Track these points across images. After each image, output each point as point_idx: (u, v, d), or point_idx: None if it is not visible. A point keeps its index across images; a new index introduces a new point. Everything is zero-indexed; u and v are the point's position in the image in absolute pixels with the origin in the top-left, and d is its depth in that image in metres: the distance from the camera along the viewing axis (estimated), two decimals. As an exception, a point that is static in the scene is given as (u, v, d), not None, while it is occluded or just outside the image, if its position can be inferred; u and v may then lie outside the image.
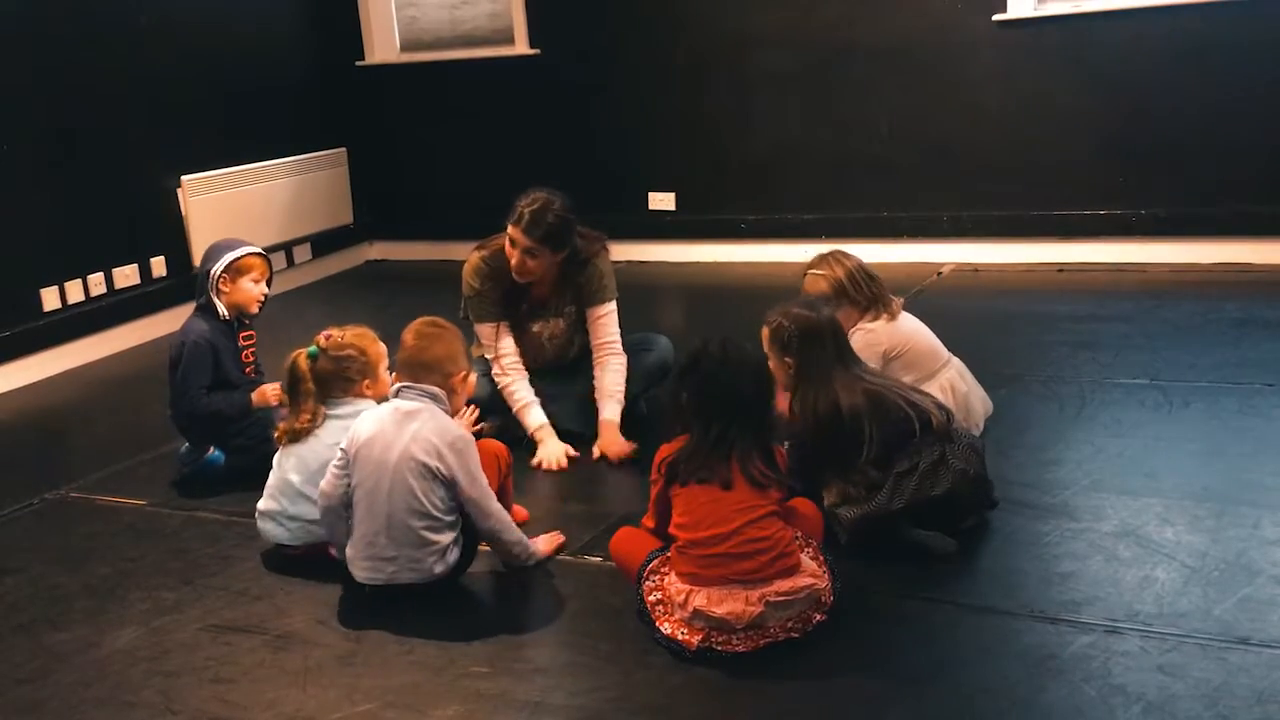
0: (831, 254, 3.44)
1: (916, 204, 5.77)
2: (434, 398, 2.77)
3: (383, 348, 3.08)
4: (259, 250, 3.68)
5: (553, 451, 3.53)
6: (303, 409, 3.02)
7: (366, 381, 3.05)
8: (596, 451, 3.54)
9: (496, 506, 2.76)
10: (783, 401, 2.92)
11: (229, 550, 3.17)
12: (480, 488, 2.73)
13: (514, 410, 3.63)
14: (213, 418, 3.56)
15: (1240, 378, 3.82)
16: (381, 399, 2.97)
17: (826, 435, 2.81)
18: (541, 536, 2.95)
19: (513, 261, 3.54)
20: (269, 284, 3.72)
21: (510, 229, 3.51)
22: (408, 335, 2.85)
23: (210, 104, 5.87)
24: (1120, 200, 5.40)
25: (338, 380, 3.02)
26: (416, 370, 2.80)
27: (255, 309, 3.67)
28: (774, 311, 2.96)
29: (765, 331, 2.96)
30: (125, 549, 3.24)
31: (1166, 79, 5.22)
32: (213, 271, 3.59)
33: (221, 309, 3.60)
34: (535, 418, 3.60)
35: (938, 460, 2.77)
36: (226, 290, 3.60)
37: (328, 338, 3.02)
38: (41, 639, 2.77)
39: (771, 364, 2.94)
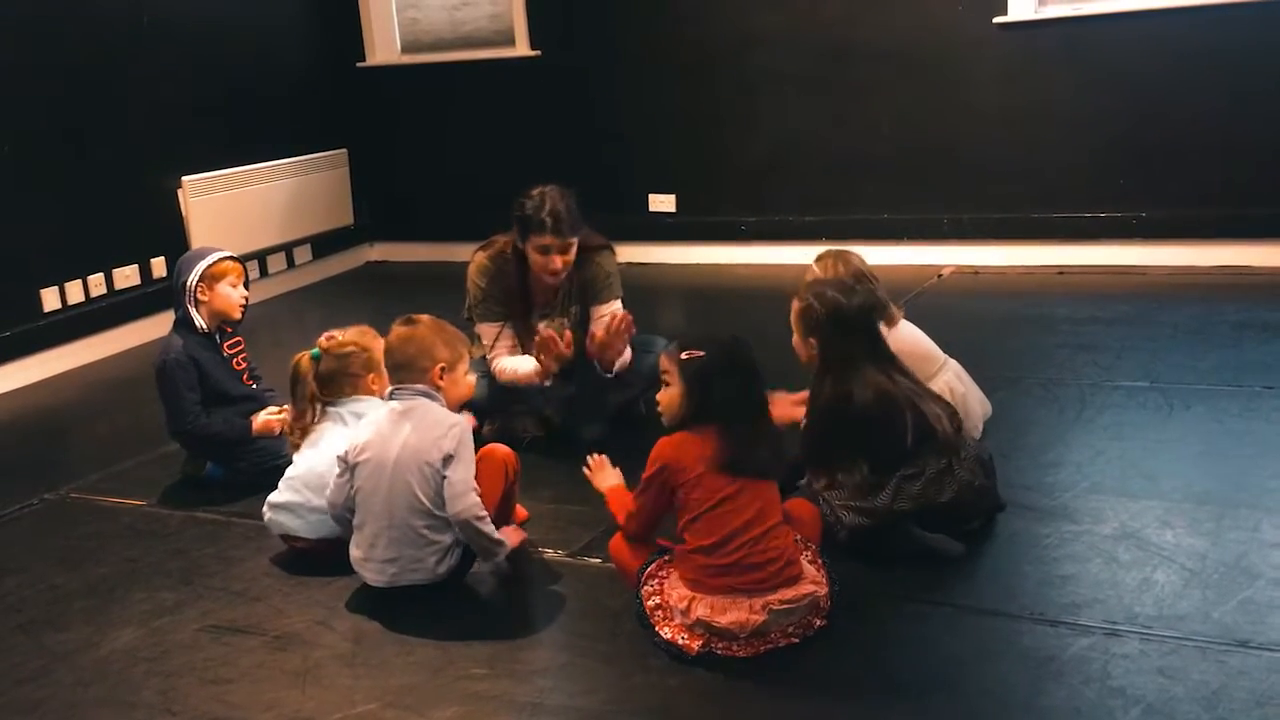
0: (835, 253, 3.43)
1: (916, 206, 5.77)
2: (425, 394, 2.77)
3: (383, 342, 3.08)
4: (232, 255, 3.65)
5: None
6: (303, 410, 3.04)
7: (372, 376, 3.06)
8: (597, 330, 3.49)
9: (474, 497, 2.69)
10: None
11: (229, 551, 3.17)
12: (463, 472, 2.69)
13: (511, 375, 3.58)
14: (211, 440, 3.54)
15: (1240, 380, 3.81)
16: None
17: (834, 423, 2.79)
18: (506, 529, 2.88)
19: (551, 267, 3.52)
20: (247, 288, 3.67)
21: (538, 240, 3.47)
22: (388, 336, 2.86)
23: (211, 104, 5.87)
24: (1120, 203, 5.40)
25: (343, 378, 3.04)
26: (397, 372, 2.81)
27: (238, 314, 3.63)
28: (808, 287, 2.93)
29: (796, 306, 2.92)
30: (125, 549, 3.24)
31: (1167, 81, 5.22)
32: (188, 282, 3.54)
33: (199, 321, 3.56)
34: (527, 361, 3.55)
35: (944, 469, 2.76)
36: (205, 299, 3.55)
37: (329, 338, 3.05)
38: (41, 639, 2.77)
39: (795, 340, 2.93)
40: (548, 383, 3.53)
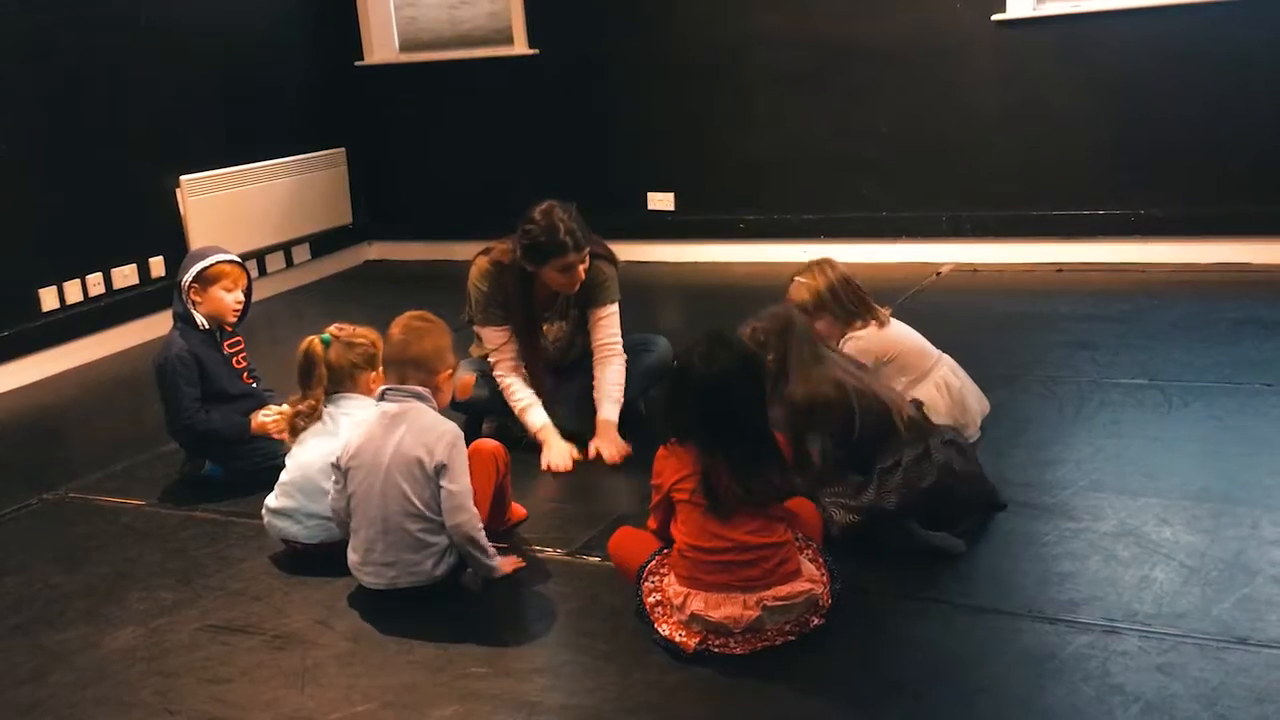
0: (817, 263, 3.46)
1: (915, 204, 5.77)
2: (419, 397, 2.75)
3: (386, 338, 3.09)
4: (231, 258, 3.63)
5: (558, 453, 3.52)
6: (311, 395, 3.00)
7: (373, 375, 3.03)
8: (593, 450, 3.54)
9: (472, 509, 2.69)
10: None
11: (228, 550, 3.17)
12: (461, 484, 2.68)
13: (515, 411, 3.62)
14: (208, 436, 3.54)
15: (1239, 378, 3.82)
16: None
17: (807, 424, 2.81)
18: (507, 557, 2.88)
19: (576, 281, 3.52)
20: (248, 292, 3.65)
21: (562, 261, 3.45)
22: (395, 330, 2.82)
23: (209, 104, 5.87)
24: (1119, 200, 5.40)
25: (348, 369, 3.01)
26: (403, 368, 2.78)
27: (231, 318, 3.62)
28: (744, 325, 2.97)
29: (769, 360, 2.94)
30: (124, 549, 3.24)
31: (1166, 79, 5.22)
32: (182, 281, 3.55)
33: (200, 319, 3.57)
34: (537, 418, 3.59)
35: (921, 455, 2.79)
36: (198, 300, 3.56)
37: (340, 328, 3.04)
38: (40, 639, 2.77)
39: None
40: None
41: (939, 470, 2.79)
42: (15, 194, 4.96)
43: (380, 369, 3.03)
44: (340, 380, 3.03)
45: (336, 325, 3.06)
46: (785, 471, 2.54)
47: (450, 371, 2.81)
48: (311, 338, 3.02)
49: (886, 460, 2.78)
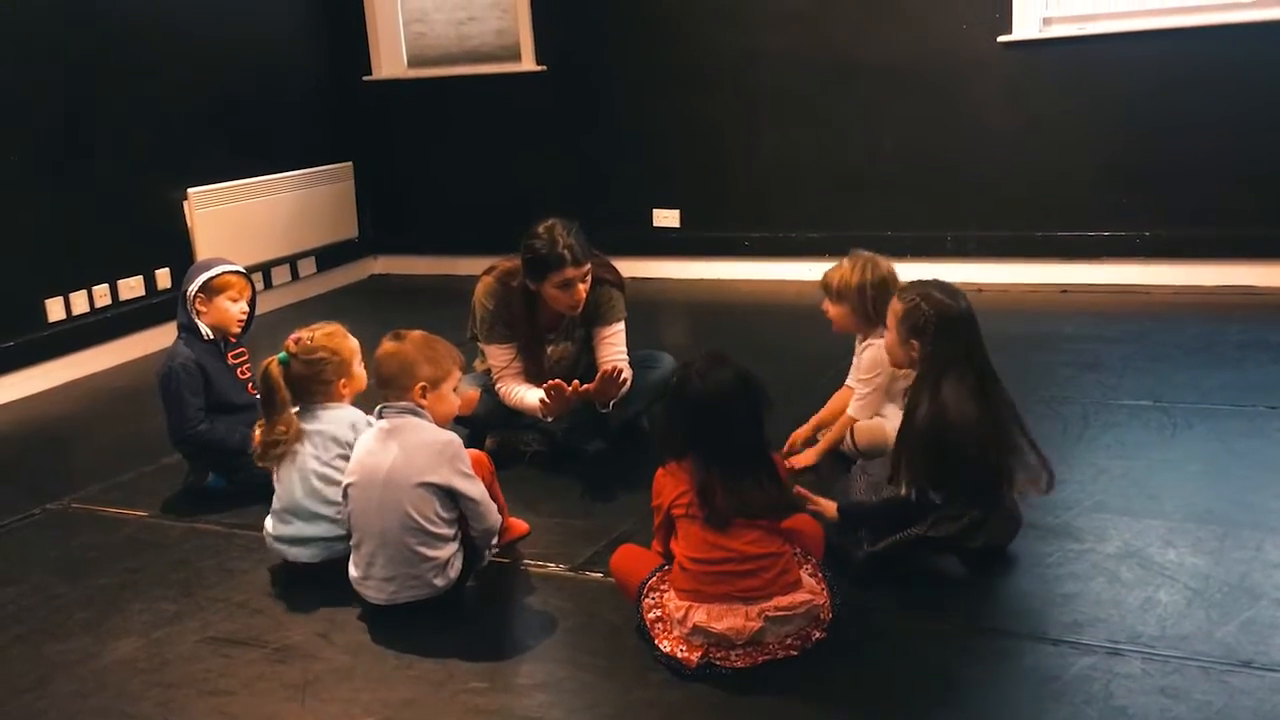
0: (864, 257, 3.38)
1: (920, 224, 5.77)
2: (412, 412, 2.76)
3: (354, 343, 3.05)
4: (236, 268, 3.63)
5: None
6: (278, 420, 2.93)
7: (342, 381, 3.01)
8: (609, 367, 3.45)
9: (493, 505, 2.80)
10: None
11: (230, 562, 3.17)
12: (477, 488, 2.73)
13: (515, 403, 3.59)
14: (212, 446, 3.54)
15: (1243, 400, 3.81)
16: (358, 395, 3.00)
17: (934, 439, 2.70)
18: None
19: (576, 299, 3.50)
20: (252, 303, 3.66)
21: (559, 276, 3.44)
22: (377, 351, 2.83)
23: (217, 117, 5.89)
24: (1124, 222, 5.40)
25: (314, 384, 2.98)
26: (382, 387, 2.80)
27: (236, 328, 3.62)
28: (911, 287, 2.84)
29: (898, 307, 2.83)
30: (126, 560, 3.24)
31: (1171, 101, 5.23)
32: (188, 291, 3.56)
33: (204, 329, 3.57)
34: (533, 394, 3.52)
35: (981, 522, 2.73)
36: (203, 310, 3.56)
37: (297, 341, 2.97)
38: (41, 649, 2.77)
39: (889, 340, 2.88)
40: (549, 419, 3.53)
41: (988, 540, 2.75)
42: (23, 204, 4.98)
43: (351, 374, 3.03)
44: (310, 395, 2.99)
45: (294, 337, 2.98)
46: (781, 487, 2.53)
47: (423, 386, 2.77)
48: (270, 359, 2.95)
49: (955, 509, 2.71)
